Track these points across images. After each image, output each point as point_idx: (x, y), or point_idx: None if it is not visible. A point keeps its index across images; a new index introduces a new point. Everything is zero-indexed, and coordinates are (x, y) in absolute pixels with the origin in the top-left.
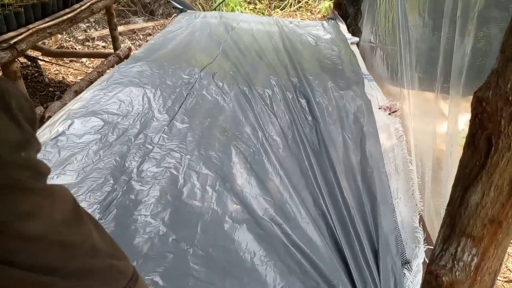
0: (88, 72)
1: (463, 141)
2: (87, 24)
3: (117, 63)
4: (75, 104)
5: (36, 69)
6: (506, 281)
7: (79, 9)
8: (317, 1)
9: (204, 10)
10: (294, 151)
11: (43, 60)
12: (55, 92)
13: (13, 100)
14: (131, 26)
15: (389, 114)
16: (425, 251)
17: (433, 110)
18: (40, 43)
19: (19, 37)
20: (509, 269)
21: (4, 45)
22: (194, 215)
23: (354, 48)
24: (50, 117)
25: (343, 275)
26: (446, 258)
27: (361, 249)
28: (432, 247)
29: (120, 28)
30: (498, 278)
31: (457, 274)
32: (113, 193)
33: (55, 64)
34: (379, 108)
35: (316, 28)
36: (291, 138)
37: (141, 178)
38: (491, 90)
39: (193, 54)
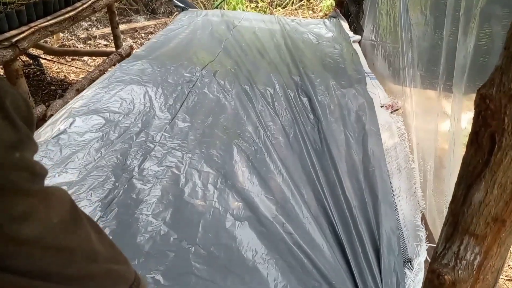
0: (90, 70)
1: (465, 140)
2: (89, 23)
3: (119, 61)
4: (76, 102)
5: (38, 67)
6: (509, 280)
7: (80, 8)
8: None
9: (205, 9)
10: (296, 150)
11: (45, 59)
12: (57, 91)
13: (7, 99)
14: (133, 25)
15: (391, 112)
16: (427, 250)
17: (435, 108)
18: (42, 41)
19: (21, 36)
20: (511, 267)
21: (6, 43)
22: (196, 214)
23: (356, 46)
24: (52, 115)
25: (344, 274)
26: (448, 256)
27: (363, 248)
28: (434, 246)
29: (122, 27)
30: (501, 276)
31: (459, 272)
32: (114, 191)
33: (57, 62)
34: (381, 107)
35: (318, 26)
36: (293, 136)
37: (142, 177)
38: (494, 87)
39: (195, 52)
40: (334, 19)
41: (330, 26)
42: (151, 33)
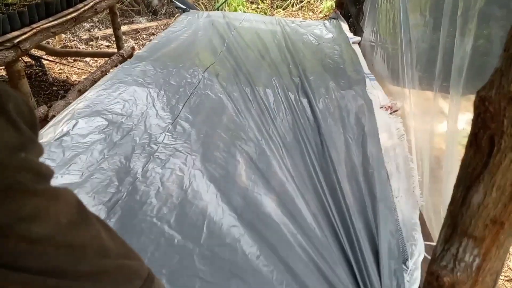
0: (92, 71)
1: (463, 140)
2: (91, 24)
3: (121, 62)
4: (79, 104)
5: (40, 68)
6: (507, 280)
7: (82, 9)
8: (319, 1)
9: (206, 10)
10: (297, 151)
11: (47, 60)
12: (59, 91)
13: (10, 103)
14: (135, 26)
15: (390, 113)
16: (424, 248)
17: (434, 109)
18: (44, 42)
19: (23, 37)
20: (510, 268)
21: (8, 44)
22: (200, 215)
23: (356, 47)
24: (54, 116)
25: (347, 277)
26: (447, 258)
27: (363, 250)
28: (430, 243)
29: (124, 28)
30: (500, 277)
31: (458, 274)
32: (118, 194)
33: (59, 63)
34: (381, 108)
35: (318, 27)
36: (294, 138)
37: (146, 179)
38: (494, 89)
39: (196, 54)
40: (334, 21)
41: (330, 28)
42: (153, 34)
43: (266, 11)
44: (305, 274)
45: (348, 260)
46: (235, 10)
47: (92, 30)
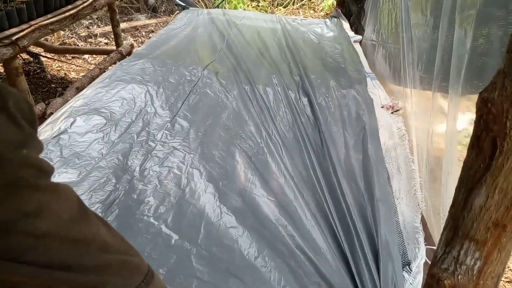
0: (90, 68)
1: (464, 140)
2: (90, 21)
3: (119, 60)
4: (77, 102)
5: (38, 65)
6: (508, 281)
7: (81, 6)
8: None
9: (206, 7)
10: (296, 151)
11: (45, 57)
12: (57, 89)
13: (11, 100)
14: (134, 23)
15: (392, 113)
16: (425, 252)
17: (434, 108)
18: (42, 39)
19: (21, 34)
20: (510, 269)
21: (6, 41)
22: (198, 215)
23: (357, 46)
24: (51, 113)
25: (345, 277)
26: (448, 261)
27: (362, 251)
28: (433, 248)
29: (123, 25)
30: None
31: (459, 277)
32: (115, 192)
33: (57, 60)
34: (382, 107)
35: (319, 26)
36: (293, 137)
37: (143, 177)
38: (496, 91)
39: (196, 51)
40: (335, 19)
41: (331, 26)
42: (152, 31)
43: (266, 9)
44: (303, 275)
45: (347, 261)
46: (235, 8)
47: (91, 27)
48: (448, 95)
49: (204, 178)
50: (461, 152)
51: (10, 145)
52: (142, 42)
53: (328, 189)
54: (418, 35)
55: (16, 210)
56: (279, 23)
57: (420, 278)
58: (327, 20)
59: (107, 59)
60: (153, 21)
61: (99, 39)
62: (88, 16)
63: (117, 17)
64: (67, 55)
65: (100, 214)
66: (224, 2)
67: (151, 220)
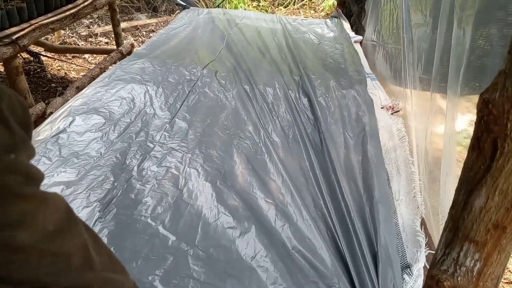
0: (91, 68)
1: (463, 141)
2: (90, 20)
3: (120, 59)
4: (76, 101)
5: (38, 64)
6: (507, 283)
7: (82, 5)
8: None
9: (207, 7)
10: (296, 151)
11: (46, 56)
12: (57, 88)
13: (3, 102)
14: (134, 23)
15: (392, 114)
16: (426, 255)
17: (435, 110)
18: (42, 38)
19: (22, 33)
20: (510, 271)
21: (6, 40)
22: (195, 216)
23: (358, 46)
24: (51, 113)
25: (343, 278)
26: (448, 262)
27: (361, 252)
28: (433, 252)
29: (123, 25)
30: None
31: (459, 279)
32: (113, 191)
33: (58, 60)
34: (382, 108)
35: (320, 26)
36: (293, 137)
37: (141, 177)
38: (497, 92)
39: (196, 51)
40: (336, 19)
41: (332, 26)
42: (152, 31)
43: (267, 8)
44: (301, 276)
45: (345, 263)
46: (235, 8)
47: (91, 27)
48: (446, 96)
49: (201, 178)
50: (460, 153)
51: None
52: (142, 42)
53: (327, 189)
54: (419, 36)
55: None
56: (279, 23)
57: (420, 282)
58: (327, 20)
59: (107, 59)
60: (153, 20)
61: (100, 38)
62: (88, 15)
63: (118, 16)
64: (67, 54)
65: (97, 213)
66: (224, 1)
67: (149, 221)
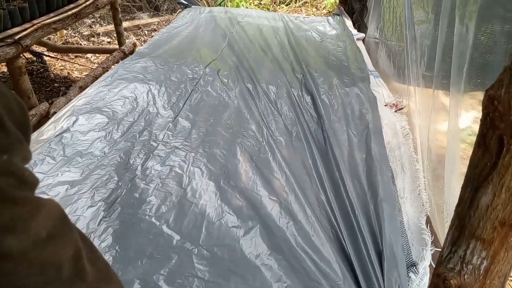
0: (93, 67)
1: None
2: (92, 20)
3: (122, 58)
4: (79, 101)
5: (41, 64)
6: None
7: (84, 5)
8: None
9: (209, 6)
10: (299, 149)
11: (49, 56)
12: (60, 88)
13: (0, 102)
14: (136, 22)
15: (396, 111)
16: (432, 254)
17: (439, 107)
18: (45, 38)
19: (24, 33)
20: None
21: (9, 40)
22: (199, 215)
23: (360, 44)
24: (55, 113)
25: (348, 276)
26: (454, 260)
27: (366, 251)
28: (439, 250)
29: (125, 24)
30: None
31: (465, 277)
32: (117, 190)
33: (60, 59)
34: (385, 105)
35: (322, 24)
36: (296, 135)
37: (145, 176)
38: (503, 88)
39: (198, 50)
40: (338, 17)
41: (334, 24)
42: (154, 30)
43: (268, 7)
44: (305, 273)
45: (350, 261)
46: (237, 6)
47: (93, 26)
48: (449, 93)
49: (205, 177)
50: (464, 151)
51: None
52: (144, 41)
53: (331, 187)
54: (422, 33)
55: None
56: (281, 21)
57: (426, 280)
58: (329, 18)
59: (110, 58)
60: (155, 19)
61: (102, 38)
62: (90, 15)
63: (120, 15)
64: (70, 54)
65: (102, 213)
66: (226, 0)
67: (153, 220)
